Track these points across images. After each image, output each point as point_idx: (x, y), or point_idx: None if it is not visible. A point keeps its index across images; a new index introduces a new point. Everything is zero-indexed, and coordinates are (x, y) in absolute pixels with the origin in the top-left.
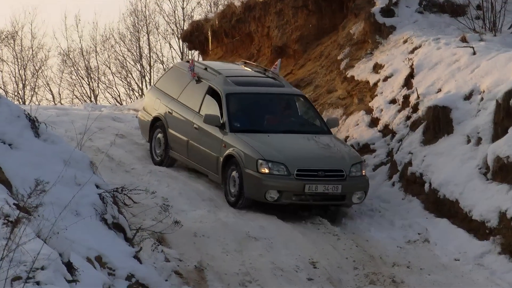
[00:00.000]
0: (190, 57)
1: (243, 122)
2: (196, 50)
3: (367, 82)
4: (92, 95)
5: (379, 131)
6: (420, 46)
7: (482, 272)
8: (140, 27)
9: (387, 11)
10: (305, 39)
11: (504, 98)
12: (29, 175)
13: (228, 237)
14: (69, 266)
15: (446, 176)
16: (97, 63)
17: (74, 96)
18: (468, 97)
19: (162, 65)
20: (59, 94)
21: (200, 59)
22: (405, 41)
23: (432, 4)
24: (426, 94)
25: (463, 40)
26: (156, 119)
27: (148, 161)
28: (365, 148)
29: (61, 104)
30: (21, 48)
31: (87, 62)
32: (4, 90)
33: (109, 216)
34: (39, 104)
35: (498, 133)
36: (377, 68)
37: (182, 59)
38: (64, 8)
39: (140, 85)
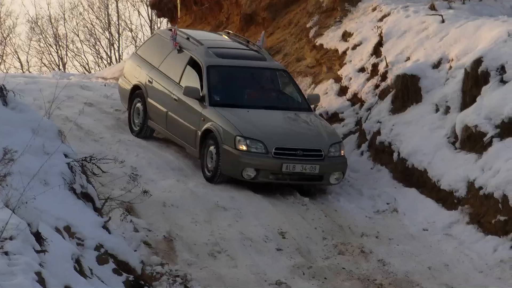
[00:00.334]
0: (158, 25)
1: (223, 96)
2: (164, 18)
3: (336, 50)
4: (60, 63)
5: (348, 100)
6: (389, 14)
7: (451, 242)
8: None
9: None
10: (274, 6)
11: (473, 66)
12: None
13: (197, 207)
14: (38, 236)
15: (415, 145)
16: (66, 30)
17: (43, 64)
18: (436, 65)
19: (131, 33)
20: (27, 62)
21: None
22: (374, 9)
23: None
24: (394, 63)
25: (432, 8)
26: (136, 87)
27: (117, 130)
28: (334, 117)
29: (29, 72)
30: None
31: (55, 30)
32: None
33: (78, 185)
34: (7, 72)
35: (466, 102)
36: (346, 36)
37: (150, 26)
38: None
39: (109, 53)
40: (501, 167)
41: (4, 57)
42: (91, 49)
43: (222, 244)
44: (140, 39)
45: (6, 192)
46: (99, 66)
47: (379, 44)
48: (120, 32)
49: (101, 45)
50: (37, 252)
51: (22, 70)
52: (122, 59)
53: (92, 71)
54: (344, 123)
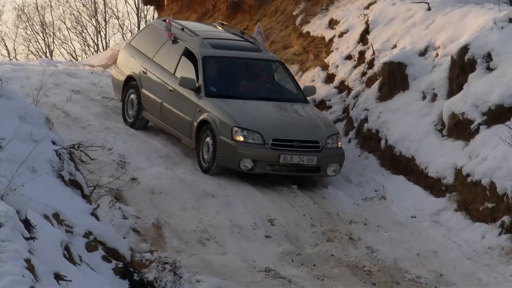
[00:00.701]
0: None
1: (219, 87)
2: (151, 5)
3: (323, 38)
4: (47, 50)
5: (335, 87)
6: (375, 2)
7: (439, 229)
8: None
9: None
10: None
11: (459, 54)
12: None
13: (186, 194)
14: (27, 223)
15: (402, 132)
16: (52, 18)
17: (30, 52)
18: (423, 53)
19: (118, 20)
20: (14, 50)
21: (156, 15)
22: None
23: None
24: (381, 50)
25: None
26: (130, 78)
27: (105, 117)
28: (321, 105)
29: (16, 59)
30: None
31: (42, 17)
32: None
33: (66, 172)
34: None
35: (453, 90)
36: (332, 23)
37: (137, 14)
38: None
39: (96, 41)
40: (489, 154)
41: None
42: (78, 36)
43: (211, 231)
44: (127, 27)
45: None
46: (86, 53)
47: (366, 31)
48: (107, 19)
49: (88, 33)
50: (26, 239)
51: (9, 57)
52: (109, 46)
53: (79, 59)
54: (332, 111)
